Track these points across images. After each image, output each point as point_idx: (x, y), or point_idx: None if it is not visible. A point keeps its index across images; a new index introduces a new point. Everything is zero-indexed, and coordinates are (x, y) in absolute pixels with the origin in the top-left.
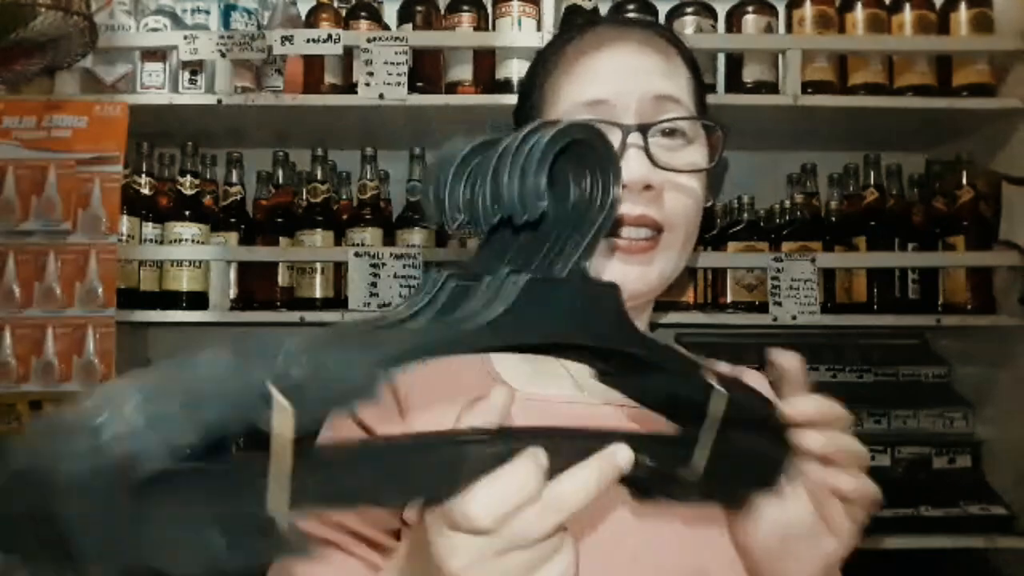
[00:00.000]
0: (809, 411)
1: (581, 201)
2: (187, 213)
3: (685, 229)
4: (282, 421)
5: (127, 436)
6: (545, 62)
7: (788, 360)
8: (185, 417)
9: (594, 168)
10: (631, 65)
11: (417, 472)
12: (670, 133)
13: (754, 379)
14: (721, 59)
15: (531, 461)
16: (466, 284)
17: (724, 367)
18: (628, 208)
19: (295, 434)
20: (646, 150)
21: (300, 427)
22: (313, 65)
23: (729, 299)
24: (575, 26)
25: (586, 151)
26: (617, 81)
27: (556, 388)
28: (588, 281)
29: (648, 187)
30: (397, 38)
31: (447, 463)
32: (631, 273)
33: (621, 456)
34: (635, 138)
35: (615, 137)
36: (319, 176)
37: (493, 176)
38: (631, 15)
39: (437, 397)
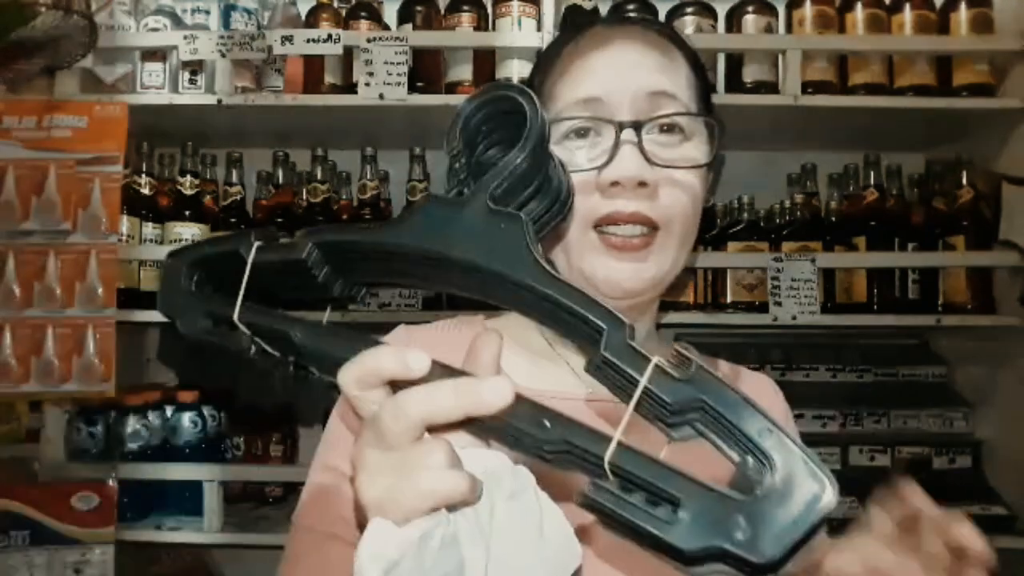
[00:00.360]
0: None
1: (505, 151)
2: (187, 213)
3: (682, 227)
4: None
5: None
6: (543, 64)
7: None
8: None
9: (520, 124)
10: (626, 62)
11: (332, 346)
12: (667, 129)
13: (753, 381)
14: (721, 59)
15: (395, 350)
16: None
17: (724, 367)
18: (622, 205)
19: (253, 262)
20: (640, 146)
21: (258, 258)
22: (313, 65)
23: (729, 299)
24: (574, 27)
25: (515, 111)
26: (611, 78)
27: (554, 382)
28: (492, 211)
29: (642, 184)
30: (397, 38)
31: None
32: (624, 271)
33: (489, 389)
34: (628, 134)
35: (609, 133)
36: (319, 176)
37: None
38: (631, 15)
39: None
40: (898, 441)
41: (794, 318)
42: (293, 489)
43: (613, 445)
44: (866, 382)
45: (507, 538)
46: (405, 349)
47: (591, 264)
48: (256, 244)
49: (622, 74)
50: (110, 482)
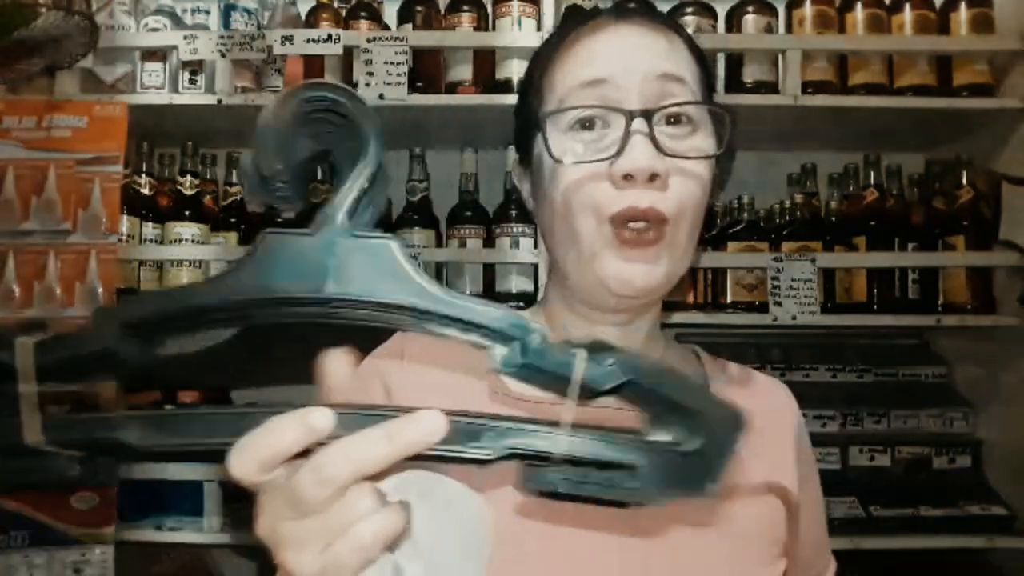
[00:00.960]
0: None
1: (344, 160)
2: (187, 213)
3: (691, 221)
4: (24, 358)
5: None
6: (542, 56)
7: None
8: None
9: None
10: (632, 45)
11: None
12: (675, 121)
13: (766, 386)
14: (721, 59)
15: (293, 418)
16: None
17: (734, 368)
18: (636, 199)
19: (36, 368)
20: (651, 136)
21: (40, 361)
22: (313, 65)
23: (729, 299)
24: (572, 19)
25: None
26: (618, 60)
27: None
28: (357, 237)
29: (654, 176)
30: (397, 38)
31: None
32: (637, 271)
33: (424, 427)
34: (639, 124)
35: (618, 123)
36: (319, 176)
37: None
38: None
39: (429, 394)
40: (898, 441)
41: (794, 318)
42: None
43: (564, 444)
44: (866, 382)
45: (439, 546)
46: (303, 412)
47: (603, 263)
48: (30, 341)
49: (628, 56)
50: (110, 482)
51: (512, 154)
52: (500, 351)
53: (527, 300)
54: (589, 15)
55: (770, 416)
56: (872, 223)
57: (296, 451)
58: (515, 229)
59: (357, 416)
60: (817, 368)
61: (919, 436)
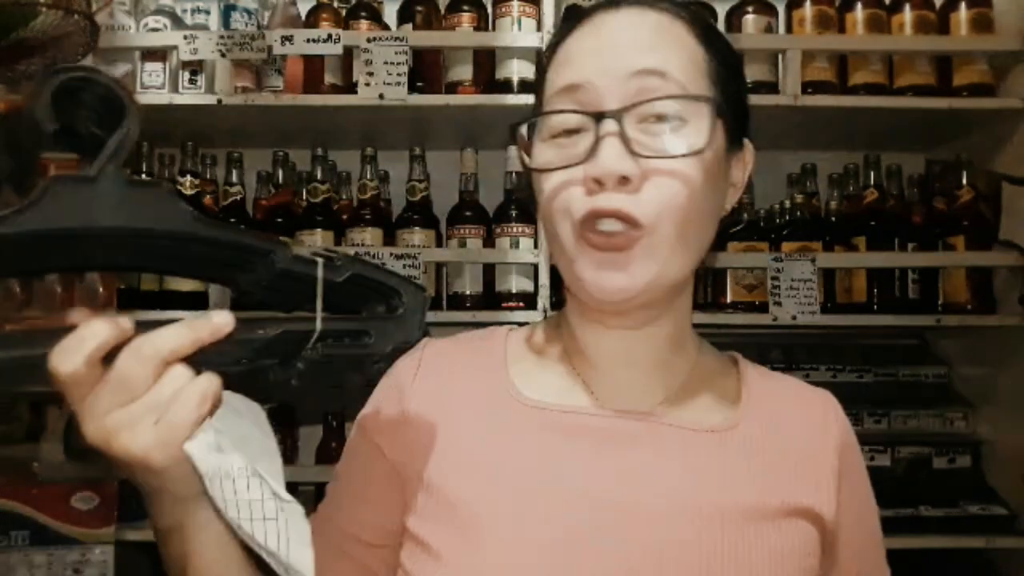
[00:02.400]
0: None
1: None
2: None
3: (678, 220)
4: None
5: None
6: (543, 62)
7: None
8: None
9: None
10: (610, 42)
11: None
12: (658, 118)
13: (808, 396)
14: None
15: (103, 321)
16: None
17: (777, 379)
18: (604, 201)
19: None
20: (622, 136)
21: None
22: (313, 65)
23: (729, 299)
24: (574, 19)
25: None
26: (594, 62)
27: (570, 398)
28: (132, 182)
29: (624, 180)
30: (397, 38)
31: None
32: (612, 279)
33: (217, 318)
34: (609, 125)
35: (591, 130)
36: (319, 176)
37: None
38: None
39: (445, 399)
40: (898, 441)
41: (794, 318)
42: (293, 489)
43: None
44: (866, 382)
45: (248, 444)
46: (104, 320)
47: (581, 268)
48: None
49: (604, 56)
50: (110, 482)
51: (513, 154)
52: (259, 268)
53: (527, 300)
54: (592, 9)
55: (806, 430)
56: (872, 223)
57: (111, 345)
58: (515, 229)
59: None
60: (817, 368)
61: (919, 436)
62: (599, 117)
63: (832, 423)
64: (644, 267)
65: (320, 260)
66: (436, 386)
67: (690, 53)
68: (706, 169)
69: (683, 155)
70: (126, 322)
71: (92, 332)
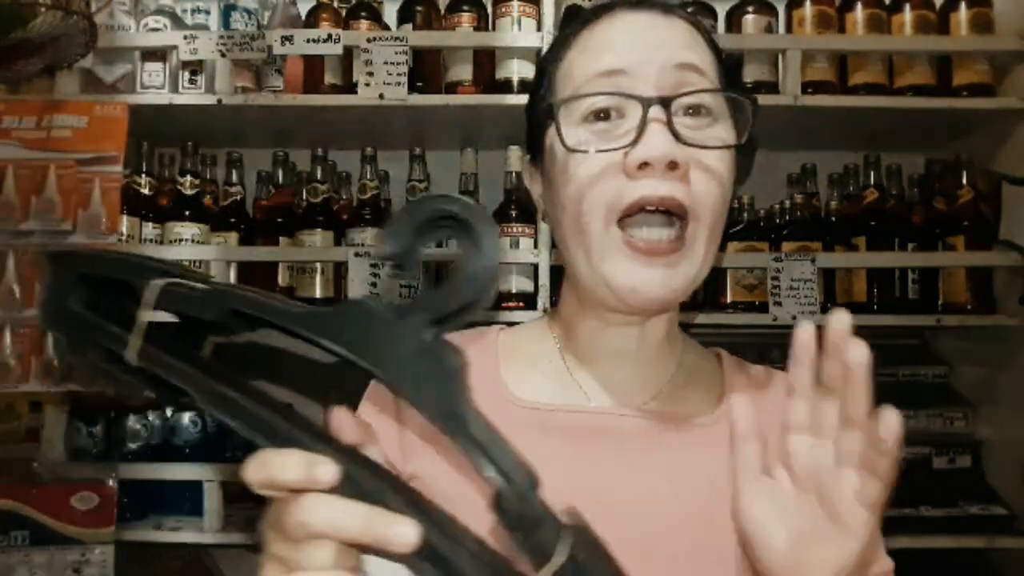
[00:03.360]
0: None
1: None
2: (187, 213)
3: (712, 219)
4: (151, 295)
5: None
6: (554, 50)
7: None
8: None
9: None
10: (649, 34)
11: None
12: (694, 112)
13: (782, 382)
14: None
15: (303, 460)
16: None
17: (758, 372)
18: (651, 188)
19: (154, 306)
20: (669, 124)
21: (159, 304)
22: (313, 65)
23: (729, 299)
24: (584, 12)
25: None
26: (635, 49)
27: (562, 397)
28: (433, 343)
29: (673, 165)
30: (397, 38)
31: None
32: (655, 278)
33: (397, 534)
34: (656, 111)
35: (635, 112)
36: (319, 176)
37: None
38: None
39: None
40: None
41: (794, 318)
42: None
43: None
44: None
45: None
46: (314, 460)
47: (613, 268)
48: (160, 286)
49: (646, 45)
50: (110, 482)
51: (513, 154)
52: (504, 488)
53: (527, 300)
54: (604, 6)
55: None
56: (872, 223)
57: (290, 489)
58: (515, 229)
59: (366, 472)
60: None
61: (919, 436)
62: (648, 102)
63: None
64: (684, 271)
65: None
66: None
67: (710, 56)
68: (731, 165)
69: (727, 147)
70: (326, 475)
71: (281, 470)
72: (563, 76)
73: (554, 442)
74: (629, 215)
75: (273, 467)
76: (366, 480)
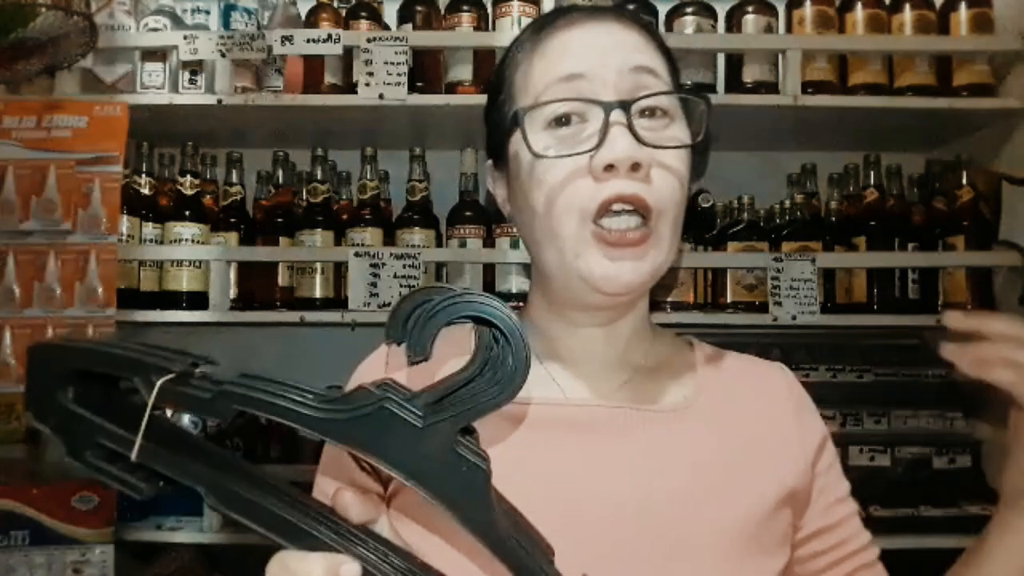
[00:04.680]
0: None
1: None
2: (187, 213)
3: (674, 212)
4: (151, 395)
5: None
6: (512, 54)
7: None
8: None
9: (499, 342)
10: (605, 40)
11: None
12: (651, 113)
13: (760, 369)
14: (721, 59)
15: (325, 563)
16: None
17: (730, 357)
18: (618, 188)
19: (152, 405)
20: (630, 127)
21: (160, 402)
22: (313, 65)
23: (729, 299)
24: (543, 16)
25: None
26: (592, 55)
27: (535, 390)
28: (458, 454)
29: (636, 166)
30: (397, 38)
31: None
32: (624, 268)
33: None
34: (617, 115)
35: (596, 116)
36: (319, 176)
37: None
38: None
39: None
40: (898, 441)
41: (794, 318)
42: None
43: None
44: (866, 382)
45: None
46: (336, 560)
47: (587, 263)
48: (159, 384)
49: (603, 50)
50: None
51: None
52: None
53: (527, 300)
54: (560, 12)
55: (764, 401)
56: (872, 223)
57: None
58: (515, 229)
59: (381, 563)
60: (817, 368)
61: (919, 436)
62: (609, 107)
63: (781, 387)
64: (651, 260)
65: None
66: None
67: (663, 61)
68: (688, 164)
69: (684, 146)
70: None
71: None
72: (522, 82)
73: (530, 434)
74: (600, 215)
75: (297, 573)
76: (383, 568)
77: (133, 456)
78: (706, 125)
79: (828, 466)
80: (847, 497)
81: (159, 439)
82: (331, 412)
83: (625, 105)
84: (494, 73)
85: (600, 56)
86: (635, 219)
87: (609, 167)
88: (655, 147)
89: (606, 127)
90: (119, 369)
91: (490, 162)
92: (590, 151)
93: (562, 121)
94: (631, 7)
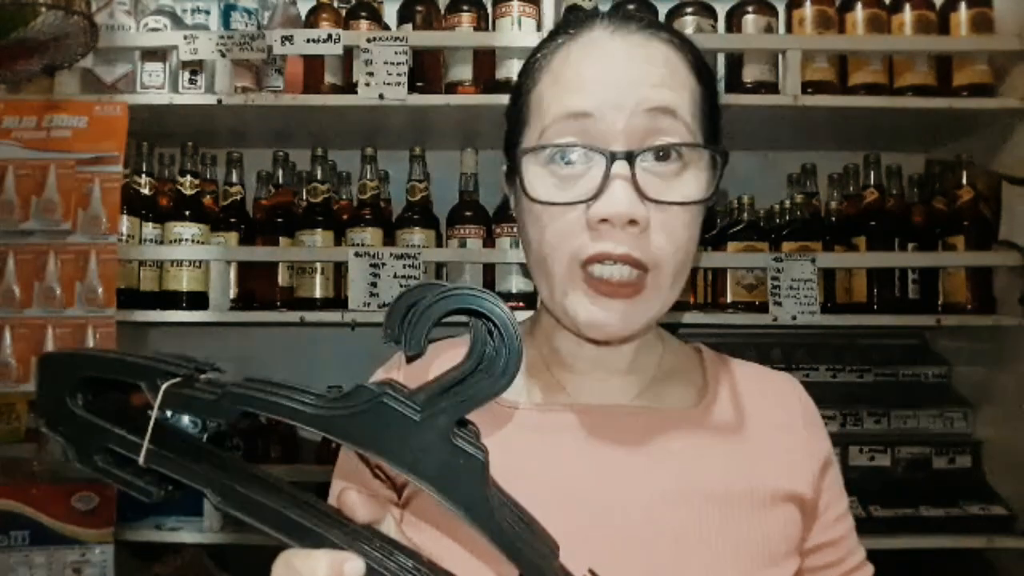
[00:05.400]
0: None
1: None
2: (187, 213)
3: (674, 267)
4: (157, 399)
5: None
6: (534, 65)
7: None
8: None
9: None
10: (623, 72)
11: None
12: (664, 156)
13: (770, 380)
14: (721, 59)
15: (329, 560)
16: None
17: (739, 367)
18: (610, 247)
19: (159, 410)
20: (633, 180)
21: (165, 406)
22: (313, 65)
23: (729, 299)
24: (570, 24)
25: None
26: (605, 91)
27: (546, 397)
28: (455, 446)
29: (633, 222)
30: (397, 38)
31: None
32: (612, 317)
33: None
34: (620, 167)
35: (599, 165)
36: (319, 176)
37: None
38: (632, 15)
39: None
40: (898, 441)
41: (794, 318)
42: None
43: None
44: (866, 382)
45: None
46: (340, 558)
47: (574, 304)
48: (164, 387)
49: (618, 87)
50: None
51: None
52: None
53: (527, 300)
54: (585, 22)
55: (774, 409)
56: (872, 223)
57: None
58: (515, 229)
59: (387, 560)
60: (817, 368)
61: (919, 436)
62: (612, 157)
63: (792, 399)
64: (643, 311)
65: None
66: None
67: (691, 91)
68: (699, 213)
69: (691, 203)
70: (353, 571)
71: (310, 572)
72: (535, 105)
73: (541, 440)
74: (590, 263)
75: (301, 571)
76: (388, 566)
77: (141, 460)
78: (719, 181)
79: (833, 481)
80: (847, 513)
81: (166, 443)
82: (332, 409)
83: (630, 156)
84: (518, 75)
85: (614, 93)
86: (627, 269)
87: (604, 220)
88: (658, 202)
89: (607, 178)
90: (126, 375)
91: (504, 167)
92: (587, 201)
93: (565, 159)
94: (631, 6)
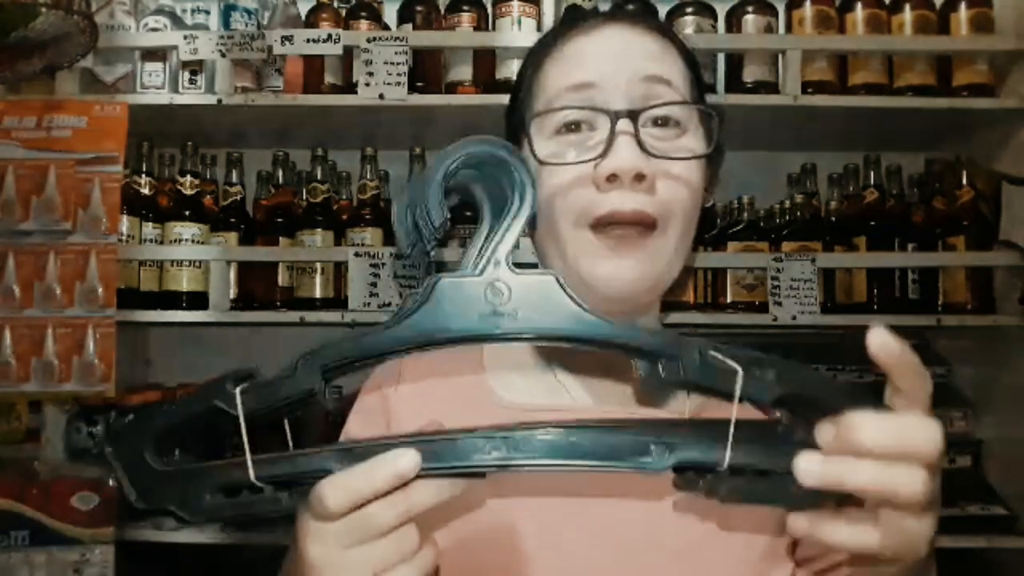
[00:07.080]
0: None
1: (496, 203)
2: (187, 213)
3: (682, 222)
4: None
5: None
6: (534, 56)
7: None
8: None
9: (507, 171)
10: (620, 46)
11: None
12: (663, 123)
13: None
14: (721, 59)
15: (387, 459)
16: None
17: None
18: (619, 202)
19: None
20: (636, 137)
21: (248, 411)
22: (313, 65)
23: (729, 299)
24: (565, 19)
25: (494, 160)
26: (605, 63)
27: (549, 398)
28: (520, 275)
29: (640, 177)
30: (397, 38)
31: (343, 455)
32: (623, 266)
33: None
34: (624, 124)
35: (604, 124)
36: (319, 176)
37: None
38: (625, 8)
39: (425, 407)
40: None
41: (794, 318)
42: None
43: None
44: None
45: None
46: (392, 456)
47: (588, 266)
48: (239, 390)
49: (616, 59)
50: (110, 482)
51: None
52: (656, 367)
53: None
54: (581, 16)
55: None
56: (872, 223)
57: (385, 491)
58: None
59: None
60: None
61: None
62: (616, 116)
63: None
64: (653, 263)
65: (740, 374)
66: (417, 394)
67: (680, 67)
68: (700, 172)
69: (693, 157)
70: (408, 464)
71: (368, 478)
72: (539, 87)
73: None
74: (599, 225)
75: (358, 480)
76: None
77: (251, 476)
78: (717, 136)
79: None
80: None
81: (263, 458)
82: (405, 314)
83: (633, 114)
84: (517, 72)
85: (613, 64)
86: (635, 228)
87: (612, 177)
88: (662, 158)
89: (612, 136)
90: (195, 406)
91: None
92: (594, 159)
93: (572, 128)
94: (630, 6)
